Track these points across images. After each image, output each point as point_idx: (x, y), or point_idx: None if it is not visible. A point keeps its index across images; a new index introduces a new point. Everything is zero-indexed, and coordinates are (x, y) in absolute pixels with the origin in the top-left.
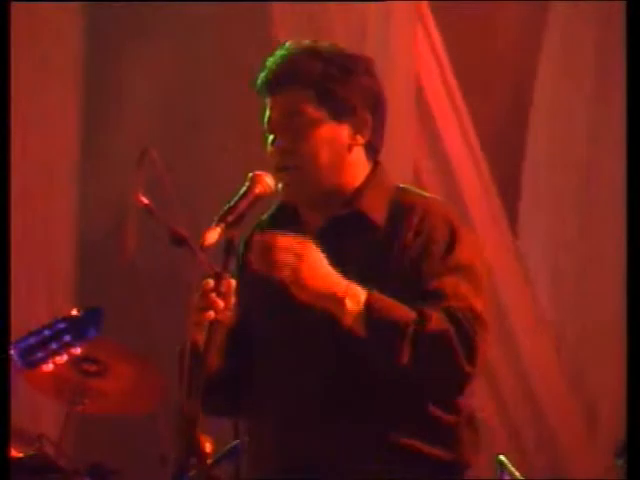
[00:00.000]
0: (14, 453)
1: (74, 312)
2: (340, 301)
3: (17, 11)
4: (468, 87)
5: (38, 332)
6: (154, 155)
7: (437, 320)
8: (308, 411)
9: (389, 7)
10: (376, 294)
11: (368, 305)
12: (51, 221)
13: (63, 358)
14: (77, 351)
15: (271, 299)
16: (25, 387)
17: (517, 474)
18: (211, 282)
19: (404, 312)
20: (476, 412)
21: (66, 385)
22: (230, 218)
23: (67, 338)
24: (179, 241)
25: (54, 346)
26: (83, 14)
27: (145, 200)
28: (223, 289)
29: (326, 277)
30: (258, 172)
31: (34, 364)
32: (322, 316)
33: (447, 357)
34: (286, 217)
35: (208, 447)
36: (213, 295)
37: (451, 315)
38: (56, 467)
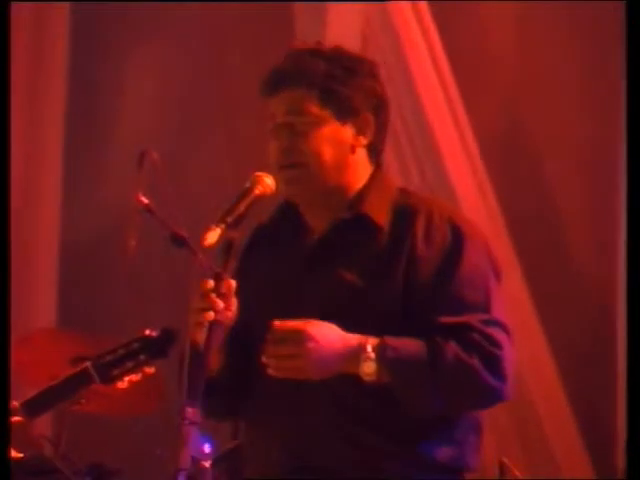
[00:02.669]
0: (14, 454)
1: (148, 332)
2: (355, 365)
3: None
4: (464, 85)
5: (114, 350)
6: (154, 156)
7: (453, 352)
8: (308, 412)
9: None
10: (387, 343)
11: (382, 360)
12: (49, 221)
13: (138, 376)
14: (151, 370)
15: (272, 299)
16: (25, 387)
17: (519, 475)
18: (211, 283)
19: (419, 354)
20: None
21: None
22: (230, 219)
23: (142, 357)
24: (179, 241)
25: (129, 364)
26: (74, 12)
27: (145, 200)
28: (223, 290)
29: (334, 352)
30: (258, 173)
31: (110, 381)
32: (325, 318)
33: (473, 385)
34: (288, 219)
35: (208, 447)
36: (213, 296)
37: (469, 339)
38: (56, 467)
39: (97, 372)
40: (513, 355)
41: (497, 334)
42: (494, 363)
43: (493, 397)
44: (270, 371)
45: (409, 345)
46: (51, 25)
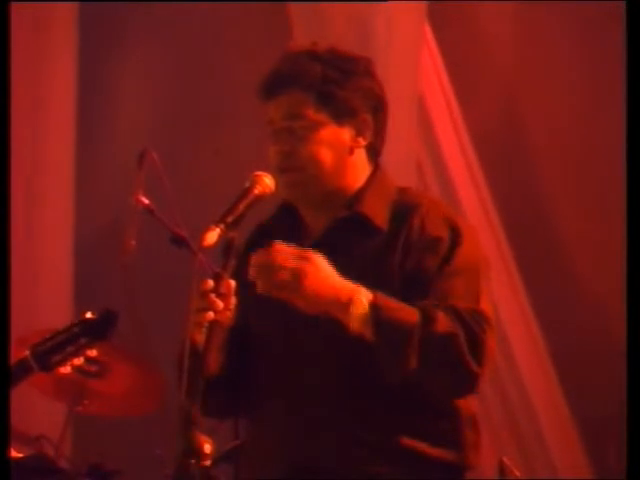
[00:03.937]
0: (14, 454)
1: (89, 315)
2: (345, 307)
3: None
4: (463, 94)
5: (54, 336)
6: (153, 156)
7: (444, 321)
8: (308, 412)
9: (393, 10)
10: (381, 297)
11: (373, 309)
12: (48, 222)
13: (80, 360)
14: (93, 353)
15: (271, 299)
16: (25, 387)
17: (519, 475)
18: (210, 283)
19: (410, 315)
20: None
21: (66, 385)
22: (230, 219)
23: (82, 341)
24: (179, 241)
25: (70, 349)
26: (78, 13)
27: (145, 200)
28: (222, 290)
29: (329, 286)
30: (258, 172)
31: (51, 367)
32: (324, 316)
33: (455, 359)
34: (288, 219)
35: (208, 447)
36: (212, 296)
37: (457, 316)
38: (56, 468)
39: (36, 360)
40: (492, 349)
41: (485, 325)
42: (476, 344)
43: (467, 379)
44: (258, 285)
45: (401, 304)
46: (60, 26)
